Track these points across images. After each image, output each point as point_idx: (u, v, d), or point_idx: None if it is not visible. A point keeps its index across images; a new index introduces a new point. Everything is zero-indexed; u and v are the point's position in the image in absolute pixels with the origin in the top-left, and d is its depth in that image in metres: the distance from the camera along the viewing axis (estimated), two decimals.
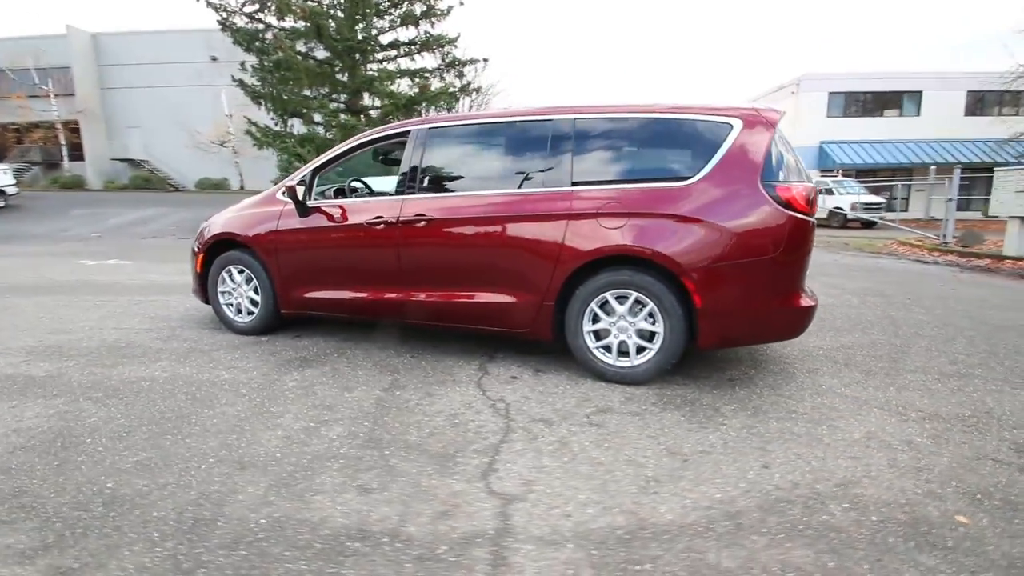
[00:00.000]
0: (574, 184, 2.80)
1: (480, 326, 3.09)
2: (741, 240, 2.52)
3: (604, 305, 2.79)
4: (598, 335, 2.84)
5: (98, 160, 26.72)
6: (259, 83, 14.90)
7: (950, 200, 9.55)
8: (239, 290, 3.75)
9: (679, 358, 2.75)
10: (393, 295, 3.22)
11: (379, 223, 3.17)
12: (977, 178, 17.10)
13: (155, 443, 2.16)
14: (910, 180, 17.43)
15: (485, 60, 17.25)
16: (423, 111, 16.45)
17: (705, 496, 1.79)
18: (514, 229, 2.87)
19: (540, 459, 2.04)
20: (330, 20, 14.57)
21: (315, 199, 3.52)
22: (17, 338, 3.68)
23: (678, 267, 2.57)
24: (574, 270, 2.75)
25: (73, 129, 26.30)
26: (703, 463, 2.02)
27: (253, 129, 15.27)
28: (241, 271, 3.71)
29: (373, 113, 16.51)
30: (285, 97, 14.81)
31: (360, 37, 15.36)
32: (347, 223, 3.30)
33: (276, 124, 15.63)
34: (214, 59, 23.85)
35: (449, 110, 17.17)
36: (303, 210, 3.38)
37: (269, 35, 15.05)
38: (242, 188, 27.07)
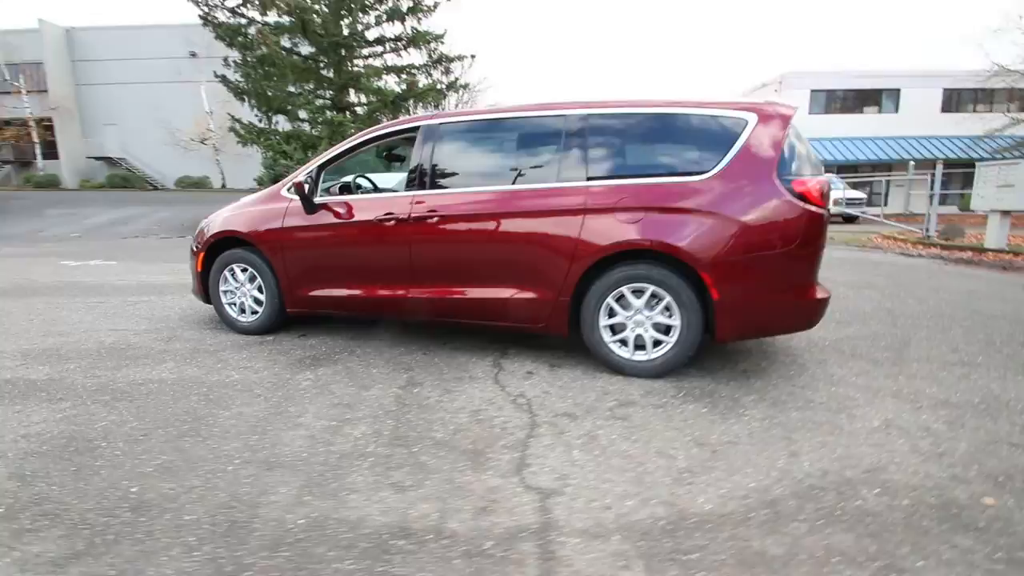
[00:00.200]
0: (589, 179, 2.80)
1: (494, 322, 3.07)
2: (758, 234, 2.55)
3: (620, 299, 2.80)
4: (613, 329, 2.85)
5: (73, 158, 25.98)
6: (243, 79, 14.61)
7: (933, 194, 9.80)
8: (242, 289, 3.67)
9: (695, 351, 2.77)
10: (405, 292, 3.18)
11: (390, 219, 3.13)
12: (953, 173, 17.59)
13: (174, 446, 2.10)
14: (889, 176, 17.85)
15: (472, 56, 17.17)
16: (410, 108, 16.32)
17: (740, 486, 1.81)
18: (530, 224, 2.86)
19: (571, 453, 2.04)
20: (315, 15, 14.34)
21: (321, 196, 3.46)
22: (10, 341, 3.55)
23: (696, 261, 2.59)
24: (591, 265, 2.75)
25: (47, 126, 25.52)
26: (732, 453, 2.04)
27: (237, 126, 14.98)
28: (244, 270, 3.64)
29: (359, 110, 16.33)
30: (270, 93, 14.53)
31: (346, 32, 15.17)
32: (356, 220, 3.25)
33: (260, 121, 15.36)
34: (193, 55, 23.35)
35: (436, 107, 17.07)
36: (310, 207, 3.32)
37: (252, 30, 14.77)
38: (224, 187, 26.57)
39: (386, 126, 3.38)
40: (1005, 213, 8.08)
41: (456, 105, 24.26)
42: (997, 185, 7.92)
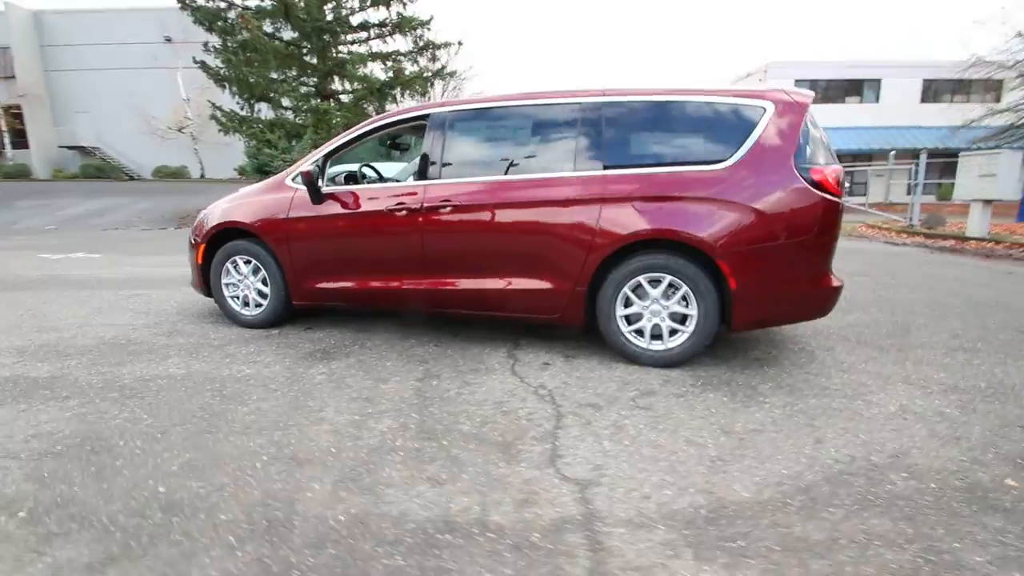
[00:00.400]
0: (606, 167, 2.79)
1: (509, 313, 3.06)
2: (776, 222, 2.57)
3: (636, 289, 2.80)
4: (629, 319, 2.86)
5: (44, 147, 25.03)
6: (223, 65, 14.20)
7: (916, 184, 10.01)
8: (245, 282, 3.59)
9: (712, 340, 2.79)
10: (416, 283, 3.14)
11: (401, 209, 3.08)
12: (931, 163, 17.98)
13: (196, 443, 2.05)
14: (870, 165, 18.18)
15: (460, 43, 16.92)
16: (397, 96, 16.06)
17: (773, 473, 1.84)
18: (546, 214, 2.84)
19: (601, 443, 2.04)
20: None
21: (327, 185, 3.38)
22: (3, 338, 3.42)
23: (714, 250, 2.60)
24: (609, 254, 2.74)
25: (15, 114, 24.52)
26: (759, 441, 2.06)
27: (218, 114, 14.60)
28: (248, 262, 3.55)
29: (344, 98, 16.02)
30: (252, 80, 14.17)
31: (330, 17, 14.81)
32: (366, 209, 3.19)
33: (242, 108, 14.98)
34: (168, 40, 22.60)
35: (423, 95, 16.82)
36: (317, 196, 3.25)
37: (232, 14, 14.34)
38: (203, 176, 25.92)
39: (394, 114, 3.31)
40: (987, 202, 8.30)
41: (443, 93, 23.95)
42: (979, 175, 8.12)
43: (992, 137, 17.44)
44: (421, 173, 3.12)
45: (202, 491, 1.73)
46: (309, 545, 1.47)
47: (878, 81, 22.66)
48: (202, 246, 3.63)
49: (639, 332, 2.85)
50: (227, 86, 14.53)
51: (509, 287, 2.96)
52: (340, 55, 15.49)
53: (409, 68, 15.89)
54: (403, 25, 15.67)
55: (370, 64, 15.76)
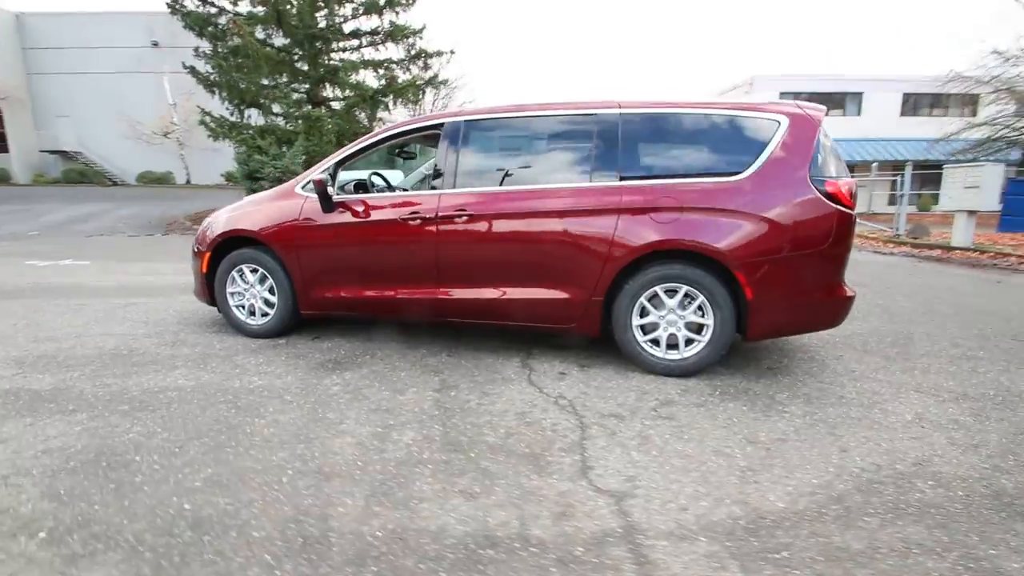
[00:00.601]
0: (623, 178, 2.81)
1: (524, 323, 3.05)
2: (792, 234, 2.60)
3: (652, 299, 2.82)
4: (644, 329, 2.87)
5: (25, 152, 24.46)
6: (214, 70, 14.05)
7: (903, 195, 10.26)
8: (252, 290, 3.53)
9: (727, 349, 2.81)
10: (429, 293, 3.12)
11: (415, 218, 3.06)
12: (913, 175, 18.47)
13: (216, 457, 2.00)
14: (852, 176, 18.58)
15: (452, 52, 16.99)
16: (390, 104, 16.05)
17: (804, 482, 1.85)
18: (563, 224, 2.85)
19: (629, 454, 2.04)
20: (290, 5, 13.92)
21: (337, 193, 3.35)
22: None
23: (731, 261, 2.63)
24: (625, 264, 2.76)
25: None
26: (785, 450, 2.08)
27: (207, 120, 14.41)
28: (254, 270, 3.49)
29: (336, 105, 15.95)
30: (242, 86, 14.03)
31: (322, 24, 14.77)
32: (378, 218, 3.17)
33: (232, 114, 14.81)
34: (155, 44, 22.33)
35: (416, 103, 16.82)
36: (329, 205, 3.21)
37: (223, 19, 14.22)
38: (188, 182, 25.55)
39: (407, 123, 3.30)
40: (971, 213, 8.53)
41: (433, 101, 23.99)
42: (964, 186, 8.36)
43: (970, 150, 17.99)
44: (436, 182, 3.10)
45: (230, 507, 1.69)
46: (350, 562, 1.44)
47: (860, 95, 23.27)
48: (207, 254, 3.56)
49: (655, 342, 2.86)
50: (217, 91, 14.37)
51: (525, 297, 2.95)
52: (332, 62, 15.43)
53: (402, 76, 15.89)
54: (396, 33, 15.67)
55: (362, 72, 15.73)
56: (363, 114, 15.83)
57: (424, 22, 15.71)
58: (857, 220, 2.76)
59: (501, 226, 2.95)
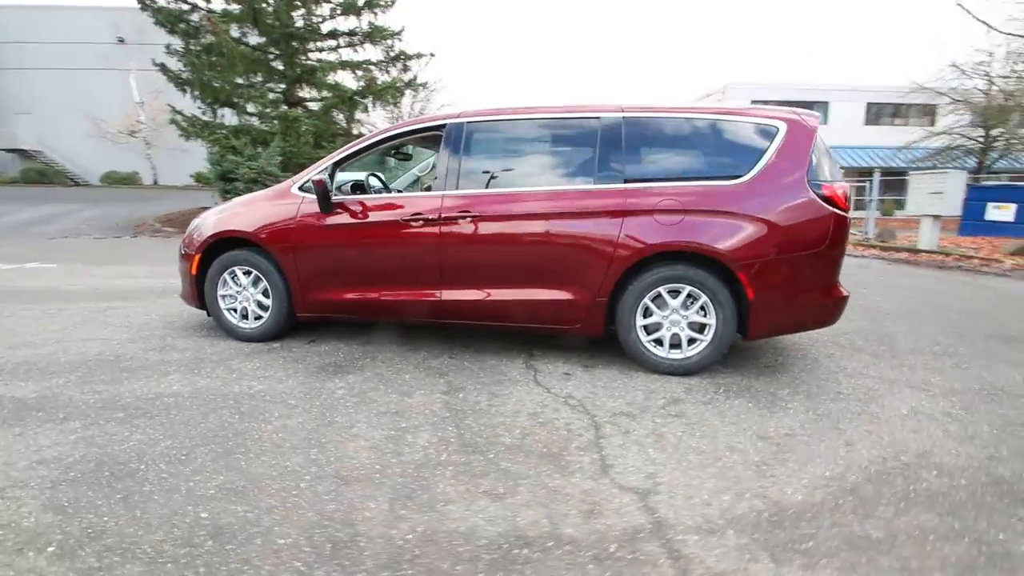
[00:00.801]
0: (626, 181, 2.84)
1: (529, 324, 3.05)
2: (791, 235, 2.68)
3: (656, 299, 2.86)
4: (647, 329, 2.91)
5: None
6: (186, 68, 13.65)
7: (872, 200, 10.68)
8: (244, 293, 3.43)
9: (728, 348, 2.88)
10: (432, 295, 3.09)
11: (417, 220, 3.03)
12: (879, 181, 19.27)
13: (227, 464, 1.94)
14: None
15: (432, 55, 16.93)
16: (369, 105, 15.88)
17: (817, 475, 1.90)
18: (568, 225, 2.87)
19: (646, 452, 2.06)
20: (266, 3, 13.64)
21: (334, 194, 3.29)
22: None
23: (733, 262, 2.69)
24: (630, 265, 2.79)
25: None
26: (795, 445, 2.13)
27: (179, 118, 13.98)
28: (247, 272, 3.40)
29: (313, 105, 15.68)
30: (216, 84, 13.68)
31: (299, 24, 14.52)
32: (379, 220, 3.13)
33: (204, 113, 14.41)
34: (121, 40, 21.55)
35: (396, 105, 16.69)
36: (328, 206, 3.15)
37: (196, 16, 13.84)
38: (156, 183, 24.70)
39: (408, 124, 3.28)
40: (936, 217, 8.94)
41: (411, 104, 23.84)
42: (929, 192, 8.76)
43: (929, 158, 18.90)
44: (438, 184, 3.09)
45: (250, 515, 1.64)
46: (384, 567, 1.42)
47: (826, 103, 24.14)
48: (197, 256, 3.45)
49: (658, 341, 2.90)
50: (189, 90, 13.96)
51: (530, 298, 2.96)
52: (309, 62, 15.18)
53: (381, 78, 15.74)
54: (374, 35, 15.51)
55: (341, 73, 15.52)
56: (341, 115, 15.62)
57: (403, 24, 15.55)
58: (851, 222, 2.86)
59: (505, 228, 2.95)
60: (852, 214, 2.96)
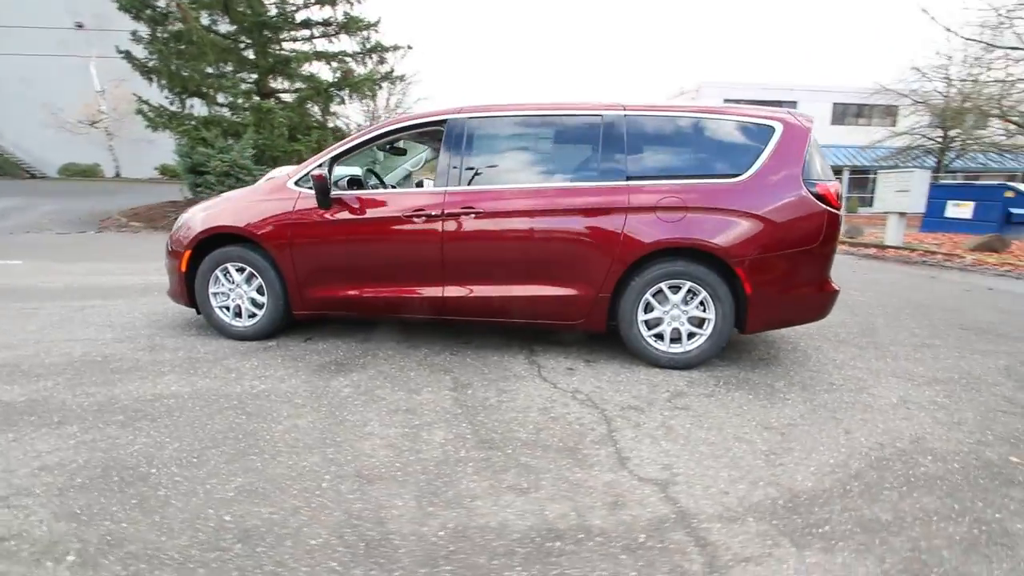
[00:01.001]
0: (628, 178, 2.89)
1: (532, 320, 3.07)
2: (787, 232, 2.78)
3: (657, 294, 2.92)
4: (648, 324, 2.97)
5: None
6: (152, 56, 13.12)
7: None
8: (237, 291, 3.35)
9: (727, 342, 2.96)
10: (434, 291, 3.08)
11: (419, 215, 3.02)
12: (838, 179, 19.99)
13: (243, 466, 1.90)
14: None
15: (409, 47, 16.68)
16: (345, 98, 15.58)
17: (823, 463, 1.99)
18: (572, 222, 2.89)
19: (659, 444, 2.11)
20: None
21: (333, 190, 3.24)
22: None
23: (732, 258, 2.77)
24: (633, 262, 2.84)
25: None
26: (798, 434, 2.22)
27: (145, 108, 13.44)
28: (240, 269, 3.32)
29: (287, 97, 15.29)
30: (185, 73, 13.19)
31: (272, 13, 14.11)
32: (379, 216, 3.09)
33: (172, 103, 13.89)
34: (80, 26, 20.52)
35: (372, 98, 16.40)
36: (327, 201, 3.10)
37: (162, 2, 13.29)
38: (118, 175, 23.68)
39: (409, 118, 3.24)
40: (902, 214, 9.34)
41: (388, 97, 23.47)
42: (895, 190, 9.15)
43: (892, 156, 19.70)
44: (441, 179, 3.07)
45: (276, 516, 1.62)
46: (421, 564, 1.42)
47: (794, 102, 24.81)
48: (187, 253, 3.35)
49: (659, 336, 2.97)
50: (155, 79, 13.42)
51: (533, 294, 2.98)
52: (283, 52, 14.77)
53: (357, 70, 15.44)
54: (350, 25, 15.18)
55: (316, 64, 15.16)
56: (316, 108, 15.29)
57: (379, 15, 15.26)
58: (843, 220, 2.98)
59: (509, 223, 2.96)
60: None
